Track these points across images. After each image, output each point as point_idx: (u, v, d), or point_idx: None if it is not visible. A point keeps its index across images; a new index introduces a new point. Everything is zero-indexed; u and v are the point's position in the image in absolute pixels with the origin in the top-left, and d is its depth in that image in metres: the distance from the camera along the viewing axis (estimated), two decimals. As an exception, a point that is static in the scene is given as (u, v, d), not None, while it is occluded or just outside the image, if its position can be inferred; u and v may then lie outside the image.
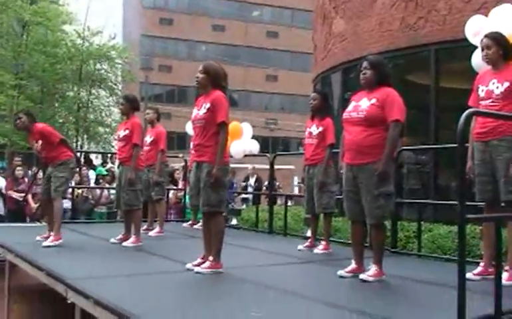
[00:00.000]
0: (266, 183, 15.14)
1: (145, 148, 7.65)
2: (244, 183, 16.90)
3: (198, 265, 4.80)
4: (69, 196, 10.09)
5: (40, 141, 6.44)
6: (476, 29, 5.36)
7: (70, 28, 27.18)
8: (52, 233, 6.41)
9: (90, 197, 11.75)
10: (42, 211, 8.41)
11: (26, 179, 11.27)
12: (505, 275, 4.21)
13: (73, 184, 10.55)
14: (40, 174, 9.42)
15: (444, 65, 9.74)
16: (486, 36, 4.70)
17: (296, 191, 23.14)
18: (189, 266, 4.85)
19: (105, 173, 13.17)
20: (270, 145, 43.39)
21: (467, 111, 3.28)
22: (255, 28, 52.25)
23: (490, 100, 4.52)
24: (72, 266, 5.03)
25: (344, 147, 4.81)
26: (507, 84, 4.46)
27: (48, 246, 6.16)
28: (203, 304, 3.75)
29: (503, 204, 4.47)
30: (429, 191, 9.43)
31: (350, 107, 4.74)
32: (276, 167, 8.93)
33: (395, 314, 3.66)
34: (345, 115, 4.76)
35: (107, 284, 4.28)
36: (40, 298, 6.31)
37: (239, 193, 15.88)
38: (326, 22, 12.35)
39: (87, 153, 15.78)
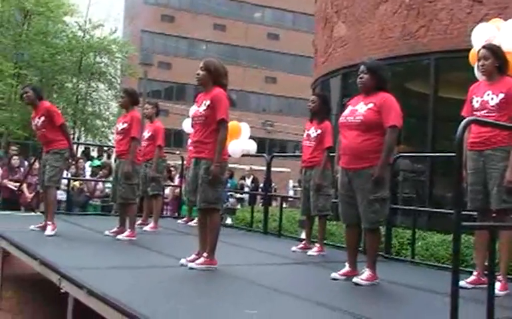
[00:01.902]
0: (261, 184, 15.16)
1: (143, 143, 7.66)
2: (240, 183, 16.94)
3: (192, 261, 4.80)
4: (65, 187, 10.10)
5: (43, 118, 6.51)
6: (487, 38, 5.27)
7: (72, 19, 27.15)
8: (48, 223, 6.44)
9: (85, 189, 11.76)
10: (41, 200, 8.40)
11: (22, 169, 11.26)
12: (497, 285, 4.24)
13: (69, 176, 10.58)
14: (37, 164, 9.44)
15: (444, 75, 9.77)
16: (484, 47, 4.72)
17: (291, 194, 23.13)
18: (183, 261, 4.85)
19: (99, 163, 13.15)
20: (267, 147, 43.40)
21: (465, 119, 3.31)
22: (256, 29, 52.29)
23: (485, 111, 4.55)
24: (66, 256, 5.02)
25: (339, 151, 4.80)
26: (502, 96, 4.49)
27: (50, 236, 6.24)
28: (195, 299, 3.76)
29: (494, 214, 4.50)
30: (423, 199, 9.46)
31: (346, 112, 4.73)
32: (272, 169, 8.93)
33: (386, 317, 3.68)
34: (341, 119, 4.74)
35: (100, 275, 4.30)
36: (33, 287, 6.32)
37: (235, 192, 15.87)
38: (327, 26, 12.38)
39: (85, 146, 15.76)
